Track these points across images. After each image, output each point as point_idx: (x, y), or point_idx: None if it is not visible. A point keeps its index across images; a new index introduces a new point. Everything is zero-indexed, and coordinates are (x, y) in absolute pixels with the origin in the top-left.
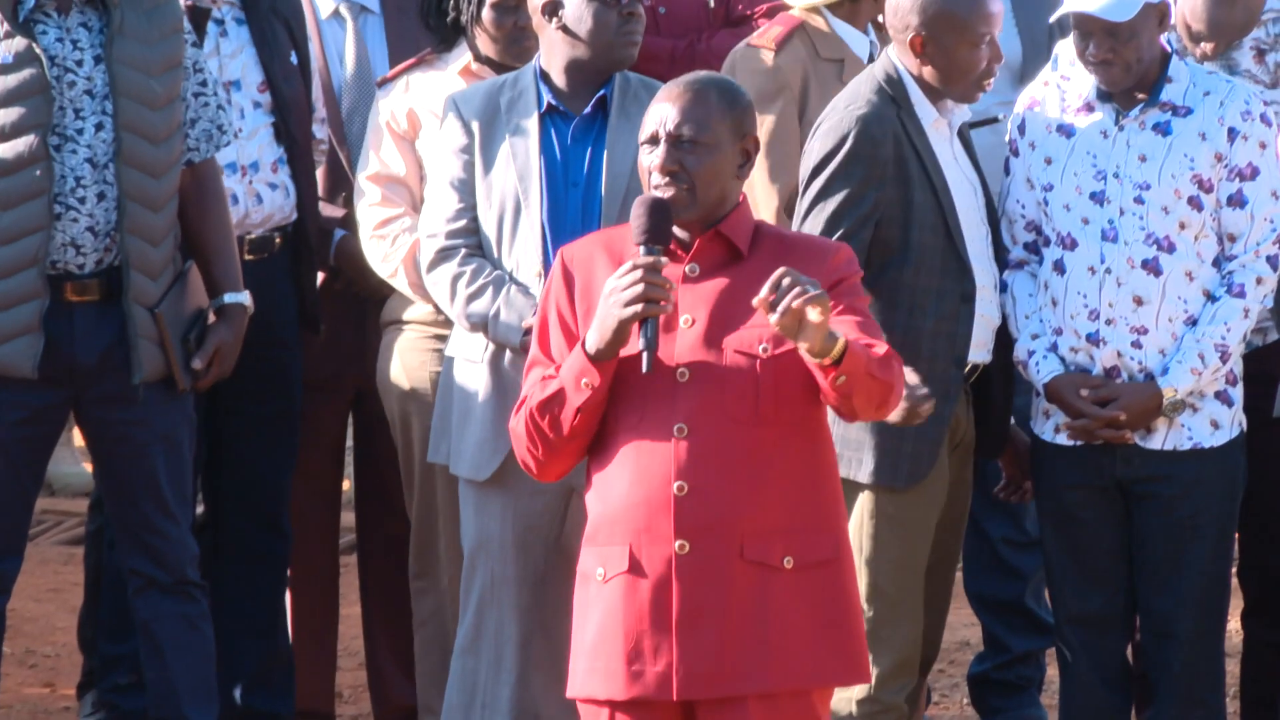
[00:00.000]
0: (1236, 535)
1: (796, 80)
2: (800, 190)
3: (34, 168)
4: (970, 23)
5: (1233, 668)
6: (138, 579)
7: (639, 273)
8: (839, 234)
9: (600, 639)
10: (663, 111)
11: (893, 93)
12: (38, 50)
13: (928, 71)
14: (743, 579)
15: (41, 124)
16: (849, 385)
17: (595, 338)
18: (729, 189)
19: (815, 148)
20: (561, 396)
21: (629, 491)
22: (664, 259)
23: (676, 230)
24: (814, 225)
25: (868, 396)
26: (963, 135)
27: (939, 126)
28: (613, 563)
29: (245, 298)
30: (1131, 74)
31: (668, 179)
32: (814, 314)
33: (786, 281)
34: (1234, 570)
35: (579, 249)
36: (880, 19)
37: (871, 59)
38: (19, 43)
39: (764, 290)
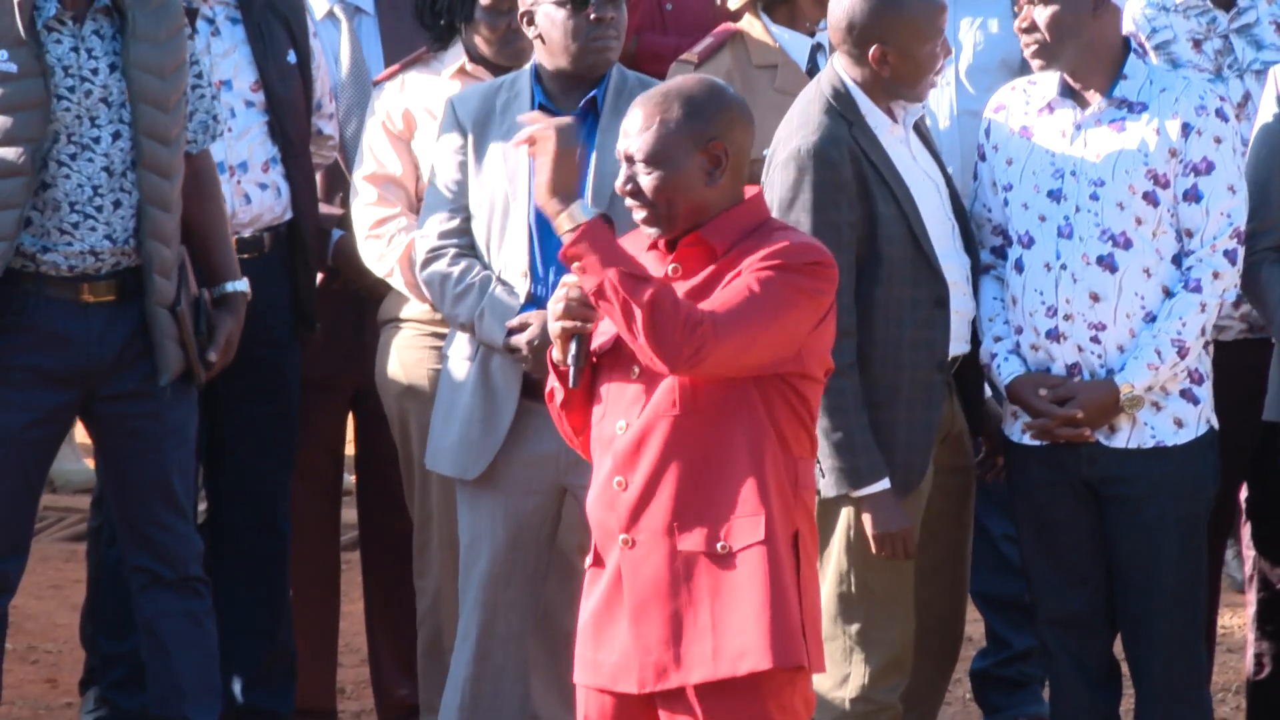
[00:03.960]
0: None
1: None
2: None
3: (16, 180)
4: (928, 23)
5: (1236, 662)
6: (142, 575)
7: (564, 291)
8: None
9: (582, 626)
10: (623, 129)
11: (842, 109)
12: (44, 63)
13: (886, 72)
14: (682, 569)
15: (33, 139)
16: (584, 272)
17: (554, 349)
18: (703, 199)
19: (776, 180)
20: (551, 393)
21: (594, 487)
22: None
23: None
24: None
25: (609, 306)
26: (919, 129)
27: (894, 132)
28: (590, 555)
29: (244, 285)
30: (1057, 52)
31: (634, 201)
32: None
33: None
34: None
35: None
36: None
37: (813, 60)
38: (27, 54)
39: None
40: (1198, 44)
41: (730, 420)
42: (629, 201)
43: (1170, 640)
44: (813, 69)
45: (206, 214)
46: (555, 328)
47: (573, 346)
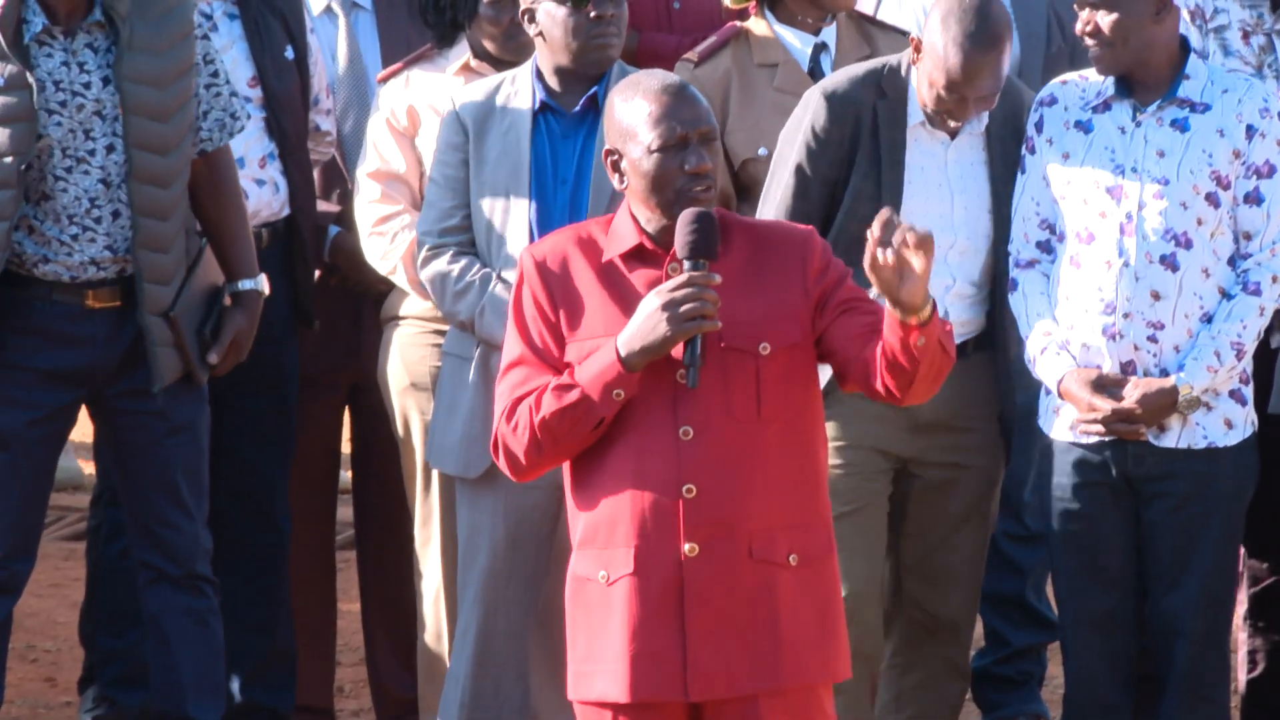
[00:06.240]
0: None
1: (715, 91)
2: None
3: (4, 193)
4: (964, 62)
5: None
6: (148, 571)
7: (694, 289)
8: (787, 202)
9: (604, 642)
10: (679, 113)
11: (885, 83)
12: (30, 78)
13: (917, 62)
14: (752, 578)
15: (20, 152)
16: (925, 350)
17: (637, 349)
18: None
19: (788, 120)
20: (585, 406)
21: (632, 494)
22: (717, 275)
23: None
24: (772, 191)
25: (934, 369)
26: (996, 134)
27: (927, 129)
28: (616, 565)
29: (261, 282)
30: (1119, 57)
31: (706, 182)
32: (918, 262)
33: (897, 220)
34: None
35: (550, 248)
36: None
37: (815, 59)
38: (12, 67)
39: (875, 228)
40: (1247, 35)
41: (799, 426)
42: (693, 183)
43: (1203, 638)
44: (814, 68)
45: (222, 211)
46: (686, 328)
47: (695, 344)
